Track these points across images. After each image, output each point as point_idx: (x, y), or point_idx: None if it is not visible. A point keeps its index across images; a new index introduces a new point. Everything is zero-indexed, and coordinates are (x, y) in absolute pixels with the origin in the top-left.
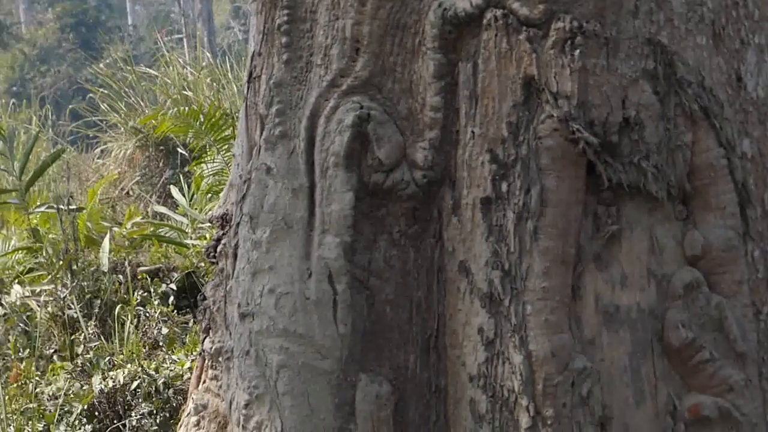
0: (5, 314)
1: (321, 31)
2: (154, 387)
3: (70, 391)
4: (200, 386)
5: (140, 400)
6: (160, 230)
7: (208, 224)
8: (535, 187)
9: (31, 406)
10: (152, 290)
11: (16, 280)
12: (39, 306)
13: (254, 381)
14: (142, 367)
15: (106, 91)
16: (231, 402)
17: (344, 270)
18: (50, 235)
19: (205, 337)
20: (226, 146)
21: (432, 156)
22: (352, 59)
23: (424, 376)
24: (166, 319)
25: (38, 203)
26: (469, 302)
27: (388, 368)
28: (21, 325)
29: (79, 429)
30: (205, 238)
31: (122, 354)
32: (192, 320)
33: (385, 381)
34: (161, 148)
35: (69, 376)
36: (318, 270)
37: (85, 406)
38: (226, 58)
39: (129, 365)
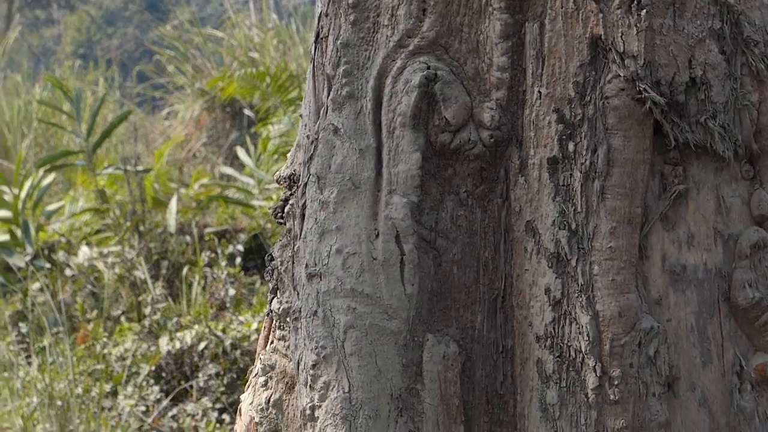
0: (73, 276)
1: None
2: (221, 348)
3: (138, 352)
4: (268, 347)
5: (207, 361)
6: (227, 191)
7: (275, 185)
8: (601, 147)
9: (98, 367)
10: (219, 251)
11: (84, 242)
12: (106, 267)
13: (322, 341)
14: (209, 328)
15: (172, 53)
16: (299, 362)
17: (411, 230)
18: (117, 197)
19: (272, 298)
20: (293, 107)
21: (499, 116)
22: (419, 19)
23: (491, 336)
24: (233, 280)
25: (105, 165)
26: (536, 262)
27: (455, 329)
28: (89, 286)
29: (147, 390)
30: (272, 199)
31: (189, 315)
32: (259, 281)
33: (452, 341)
34: (228, 109)
35: (136, 337)
36: (385, 230)
37: (153, 367)
38: (292, 19)
39: (196, 326)
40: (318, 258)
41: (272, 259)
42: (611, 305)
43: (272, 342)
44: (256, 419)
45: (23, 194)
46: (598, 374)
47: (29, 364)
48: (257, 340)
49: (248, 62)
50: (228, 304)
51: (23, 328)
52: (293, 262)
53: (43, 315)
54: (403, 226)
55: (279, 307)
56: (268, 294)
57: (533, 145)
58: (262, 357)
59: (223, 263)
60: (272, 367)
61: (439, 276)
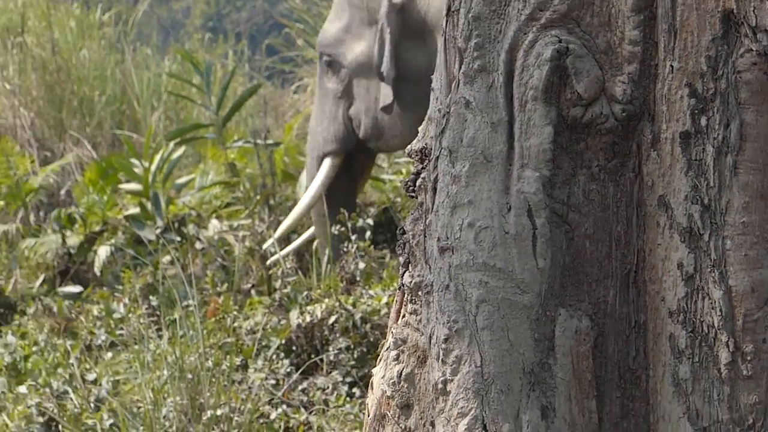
0: (203, 249)
1: None
2: (351, 322)
3: (268, 326)
4: (399, 321)
5: (337, 335)
6: None
7: (405, 158)
8: (734, 122)
9: (229, 340)
10: (349, 225)
11: (214, 215)
12: (237, 241)
13: (454, 315)
14: (339, 302)
15: (301, 26)
16: (430, 336)
17: (543, 204)
18: (247, 170)
19: (404, 272)
20: None
21: (631, 90)
22: None
23: (624, 311)
24: (363, 254)
25: (235, 138)
26: (668, 237)
27: (588, 303)
28: (219, 259)
29: (277, 363)
30: (401, 173)
31: (320, 289)
32: (389, 255)
33: (585, 316)
34: None
35: (267, 310)
36: (517, 204)
37: (283, 341)
38: None
39: (326, 300)
40: (450, 232)
41: (404, 232)
42: (744, 280)
43: (404, 316)
44: (388, 393)
45: (153, 167)
46: (730, 349)
47: (160, 337)
48: (387, 314)
49: None
50: (358, 278)
51: (153, 301)
52: (425, 236)
53: (174, 288)
54: (535, 200)
55: (411, 281)
56: (400, 268)
57: (665, 120)
58: (393, 331)
59: (353, 237)
60: (404, 341)
61: (571, 250)
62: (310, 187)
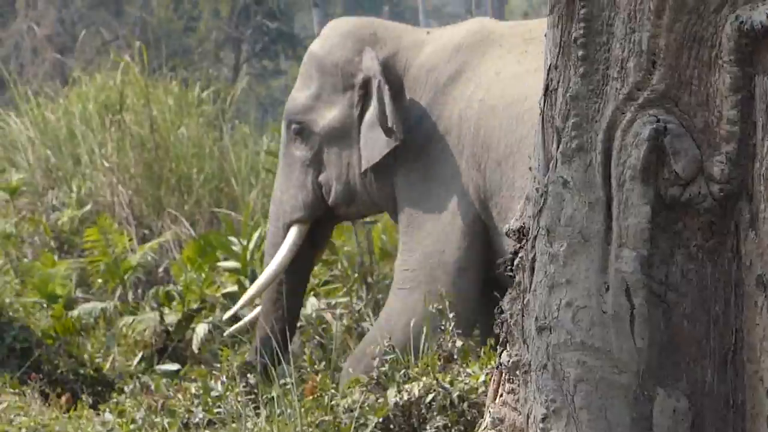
0: (301, 326)
1: (617, 44)
2: (448, 400)
3: (365, 404)
4: (497, 400)
5: (435, 414)
6: None
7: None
8: None
9: (326, 418)
10: (447, 303)
11: (312, 293)
12: (334, 318)
13: (551, 395)
14: (437, 380)
15: None
16: (528, 416)
17: (641, 284)
18: (345, 248)
19: (502, 351)
20: None
21: (729, 169)
22: (649, 72)
23: (722, 391)
24: (459, 332)
25: None
26: (766, 317)
27: (685, 383)
28: (317, 337)
29: None
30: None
31: (417, 367)
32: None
33: (683, 395)
34: None
35: (364, 388)
36: (615, 284)
37: (380, 419)
38: None
39: (424, 378)
40: (548, 311)
41: (502, 311)
42: None
43: (501, 395)
44: None
45: (251, 245)
46: None
47: (257, 415)
48: (485, 392)
49: None
50: (455, 356)
51: (251, 379)
52: (523, 315)
53: (272, 366)
54: (633, 280)
55: (508, 360)
56: (498, 347)
57: (764, 199)
58: (491, 410)
59: (451, 315)
60: (501, 420)
61: (669, 330)
62: (277, 255)
